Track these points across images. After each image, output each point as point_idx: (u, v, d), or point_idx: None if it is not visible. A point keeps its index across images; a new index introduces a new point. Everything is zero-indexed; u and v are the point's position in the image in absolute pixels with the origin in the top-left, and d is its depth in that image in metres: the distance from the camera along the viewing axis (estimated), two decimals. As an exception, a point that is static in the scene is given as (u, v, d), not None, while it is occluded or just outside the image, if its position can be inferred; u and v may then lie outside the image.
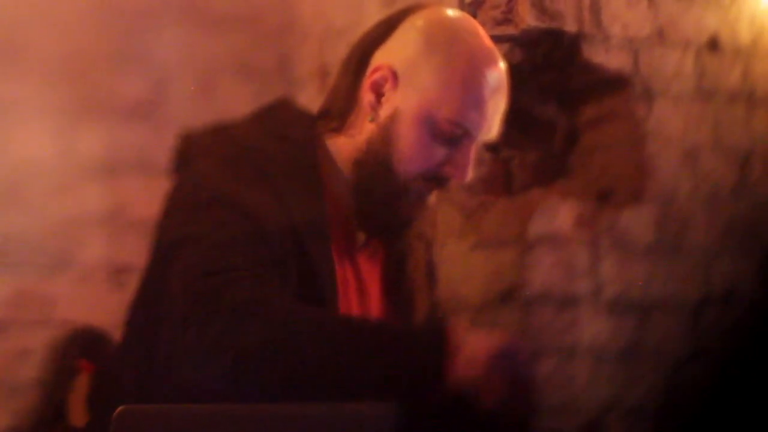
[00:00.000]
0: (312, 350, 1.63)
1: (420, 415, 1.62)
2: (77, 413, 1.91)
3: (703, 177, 2.97)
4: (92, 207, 3.10)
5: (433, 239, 2.10)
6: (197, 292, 1.65)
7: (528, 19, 2.70)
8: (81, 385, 1.92)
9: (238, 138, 1.85)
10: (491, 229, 2.84)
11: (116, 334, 1.93)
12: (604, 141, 2.85)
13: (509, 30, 2.69)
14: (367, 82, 1.88)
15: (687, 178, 2.95)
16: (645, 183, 2.88)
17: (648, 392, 2.91)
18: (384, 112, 1.87)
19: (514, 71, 1.91)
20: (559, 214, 2.84)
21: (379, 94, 1.88)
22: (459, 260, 2.83)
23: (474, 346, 1.64)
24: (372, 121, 1.88)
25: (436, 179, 1.87)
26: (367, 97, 1.88)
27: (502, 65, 1.88)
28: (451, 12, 1.94)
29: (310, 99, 2.98)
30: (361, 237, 1.93)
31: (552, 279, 2.82)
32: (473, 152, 1.86)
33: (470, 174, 1.87)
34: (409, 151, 1.85)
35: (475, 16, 2.60)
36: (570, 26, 2.76)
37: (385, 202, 1.87)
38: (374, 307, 1.93)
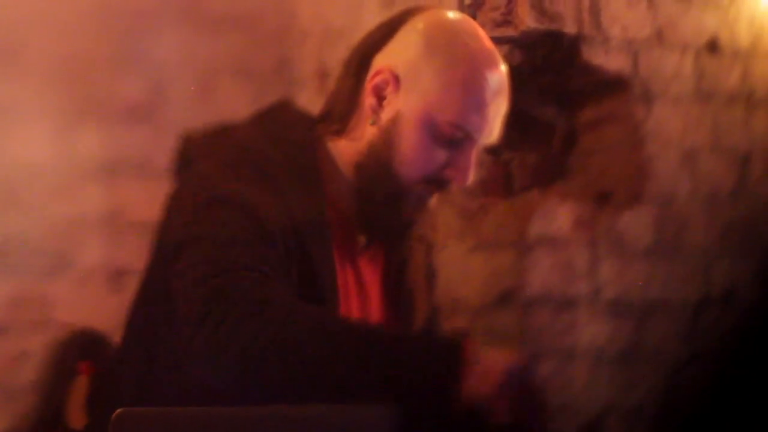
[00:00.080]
0: (324, 353, 1.63)
1: (424, 423, 1.62)
2: (76, 416, 1.91)
3: (702, 178, 2.97)
4: (91, 209, 3.10)
5: (434, 242, 2.10)
6: (207, 291, 1.65)
7: (527, 20, 2.70)
8: (80, 388, 1.92)
9: (238, 140, 1.85)
10: (490, 231, 2.84)
11: (115, 336, 1.93)
12: (603, 142, 2.86)
13: (509, 32, 2.69)
14: (368, 86, 1.88)
15: (686, 180, 2.96)
16: (644, 184, 2.88)
17: (647, 394, 2.91)
18: (385, 115, 1.87)
19: (513, 73, 1.91)
20: (558, 216, 2.84)
21: (380, 97, 1.87)
22: (458, 262, 2.83)
23: (489, 363, 1.64)
24: (373, 124, 1.88)
25: (437, 182, 1.87)
26: (368, 100, 1.88)
27: (503, 68, 1.88)
28: (452, 14, 1.94)
29: (310, 100, 2.97)
30: (361, 240, 1.93)
31: (551, 280, 2.83)
32: (474, 155, 1.86)
33: (472, 177, 1.87)
34: (411, 154, 1.85)
35: (474, 17, 2.60)
36: (569, 28, 2.76)
37: (386, 205, 1.87)
38: (374, 309, 1.93)
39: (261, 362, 1.62)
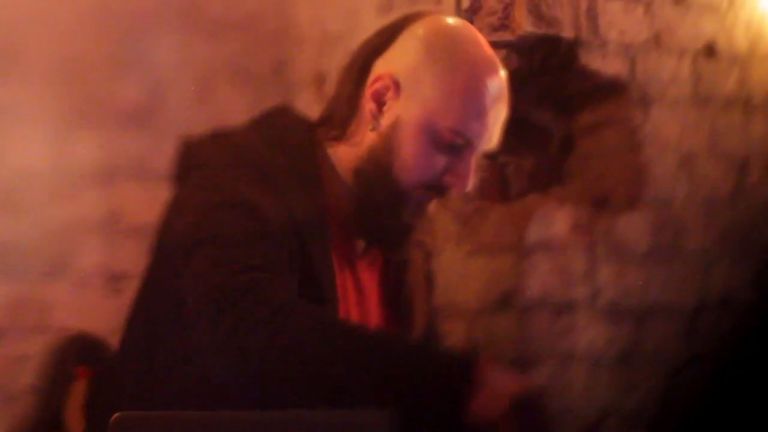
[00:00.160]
0: (340, 358, 1.63)
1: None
2: (74, 420, 1.91)
3: (700, 182, 2.98)
4: (89, 212, 3.10)
5: (432, 248, 2.10)
6: (222, 291, 1.65)
7: (525, 25, 2.70)
8: (78, 392, 1.92)
9: (239, 144, 1.85)
10: (488, 235, 2.85)
11: (113, 340, 1.93)
12: (600, 147, 2.86)
13: (506, 36, 2.69)
14: (368, 91, 1.88)
15: (684, 184, 2.96)
16: (641, 189, 2.88)
17: (645, 397, 2.92)
18: (385, 120, 1.87)
19: (510, 77, 1.91)
20: (555, 220, 2.85)
21: (380, 102, 1.87)
22: (456, 266, 2.83)
23: (499, 385, 1.64)
24: (373, 129, 1.88)
25: (436, 188, 1.87)
26: (368, 105, 1.88)
27: (502, 74, 1.89)
28: (452, 20, 1.94)
29: (307, 104, 2.98)
30: (360, 244, 1.93)
31: (549, 285, 2.83)
32: (474, 161, 1.86)
33: (471, 183, 1.87)
34: (411, 160, 1.85)
35: (471, 22, 2.60)
36: (567, 32, 2.77)
37: (385, 211, 1.87)
38: (373, 314, 1.93)
39: (278, 362, 1.62)
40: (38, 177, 3.05)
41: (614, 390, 2.88)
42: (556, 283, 2.84)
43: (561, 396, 2.82)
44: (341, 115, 1.91)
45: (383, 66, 1.89)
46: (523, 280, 2.82)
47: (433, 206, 1.91)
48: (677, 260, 2.96)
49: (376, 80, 1.88)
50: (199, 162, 1.84)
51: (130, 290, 1.90)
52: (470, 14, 2.70)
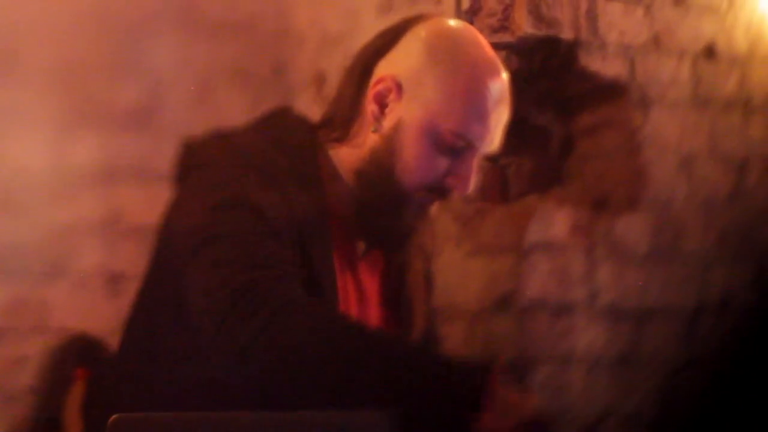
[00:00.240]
0: (351, 359, 1.63)
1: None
2: (73, 421, 1.91)
3: (699, 184, 2.98)
4: (88, 214, 3.09)
5: (433, 250, 2.10)
6: (234, 287, 1.65)
7: (525, 26, 2.70)
8: (77, 393, 1.92)
9: (241, 145, 1.85)
10: (487, 236, 2.85)
11: (112, 341, 1.93)
12: (600, 148, 2.86)
13: (506, 37, 2.70)
14: (370, 93, 1.89)
15: (683, 185, 2.96)
16: (641, 190, 2.88)
17: (644, 399, 2.92)
18: (387, 122, 1.87)
19: (510, 79, 1.91)
20: (555, 221, 2.85)
21: (382, 104, 1.88)
22: (455, 267, 2.83)
23: (509, 403, 1.64)
24: (375, 131, 1.88)
25: (438, 190, 1.87)
26: (370, 107, 1.88)
27: (504, 76, 1.89)
28: (454, 23, 1.95)
29: (306, 106, 2.98)
30: (361, 246, 1.93)
31: (548, 286, 2.83)
32: (476, 164, 1.87)
33: (473, 185, 1.87)
34: (412, 162, 1.86)
35: (471, 23, 2.60)
36: (566, 34, 2.77)
37: (386, 213, 1.88)
38: (373, 315, 1.93)
39: (291, 358, 1.62)
40: (38, 178, 3.05)
41: (613, 391, 2.88)
42: (555, 284, 2.84)
43: (559, 397, 2.82)
44: (343, 116, 1.92)
45: (385, 68, 1.89)
46: (522, 281, 2.82)
47: (433, 208, 1.92)
48: (676, 261, 2.96)
49: (378, 82, 1.88)
50: (201, 162, 1.84)
51: (129, 291, 1.90)
52: (470, 15, 2.70)
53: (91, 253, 3.10)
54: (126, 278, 2.97)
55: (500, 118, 1.88)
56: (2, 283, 3.01)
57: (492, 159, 1.91)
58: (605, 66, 2.83)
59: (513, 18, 2.69)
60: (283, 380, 1.63)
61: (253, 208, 1.75)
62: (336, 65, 1.98)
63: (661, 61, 2.91)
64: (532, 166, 2.86)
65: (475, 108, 1.85)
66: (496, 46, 2.17)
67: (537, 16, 2.71)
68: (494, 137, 1.88)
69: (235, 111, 3.09)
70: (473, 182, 1.88)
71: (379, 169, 1.87)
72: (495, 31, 2.69)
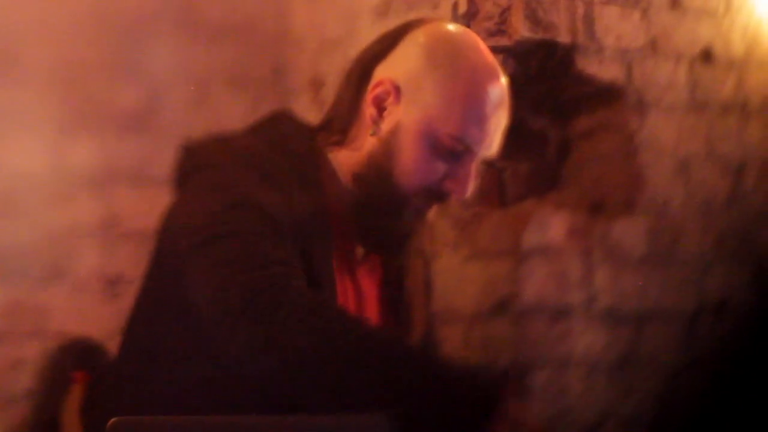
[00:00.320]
0: (363, 363, 1.63)
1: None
2: (71, 424, 1.91)
3: (696, 188, 2.98)
4: (86, 218, 3.10)
5: (431, 254, 2.10)
6: (244, 285, 1.65)
7: (521, 30, 2.71)
8: (75, 396, 1.92)
9: (241, 147, 1.86)
10: (485, 241, 2.85)
11: (111, 344, 1.93)
12: (597, 152, 2.86)
13: (503, 41, 2.70)
14: (369, 96, 1.89)
15: (680, 189, 2.96)
16: (638, 194, 2.88)
17: (642, 402, 2.92)
18: (386, 126, 1.87)
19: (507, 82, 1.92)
20: (552, 225, 2.85)
21: (381, 108, 1.88)
22: (453, 271, 2.83)
23: (519, 418, 1.65)
24: (373, 134, 1.88)
25: (436, 194, 1.87)
26: (368, 110, 1.88)
27: (503, 80, 1.89)
28: (453, 27, 1.95)
29: (304, 109, 2.98)
30: (360, 250, 1.94)
31: (545, 290, 2.83)
32: (474, 168, 1.87)
33: (471, 190, 1.87)
34: (411, 166, 1.86)
35: (468, 27, 2.60)
36: (563, 37, 2.77)
37: (385, 216, 1.87)
38: (372, 320, 1.93)
39: (298, 362, 1.62)
40: (36, 181, 3.05)
41: (612, 394, 2.88)
42: (553, 287, 2.84)
43: (558, 401, 2.82)
44: (342, 120, 1.92)
45: (384, 72, 1.89)
46: (520, 285, 2.82)
47: (431, 212, 1.92)
48: (674, 265, 2.96)
49: (377, 85, 1.88)
50: (202, 164, 1.84)
51: (127, 295, 1.90)
52: (467, 19, 2.71)
53: (89, 257, 3.10)
54: (124, 281, 2.97)
55: (499, 122, 1.88)
56: (0, 285, 3.01)
57: (489, 163, 1.91)
58: (602, 70, 2.83)
59: (510, 22, 2.69)
60: (293, 380, 1.64)
61: (256, 207, 1.75)
62: (334, 69, 1.98)
63: (658, 64, 2.92)
64: (529, 170, 2.86)
65: (474, 112, 1.85)
66: (493, 50, 2.18)
67: (534, 19, 2.71)
68: (493, 142, 1.88)
69: (233, 114, 3.10)
70: (472, 186, 1.88)
71: (378, 173, 1.87)
72: (492, 34, 2.70)
